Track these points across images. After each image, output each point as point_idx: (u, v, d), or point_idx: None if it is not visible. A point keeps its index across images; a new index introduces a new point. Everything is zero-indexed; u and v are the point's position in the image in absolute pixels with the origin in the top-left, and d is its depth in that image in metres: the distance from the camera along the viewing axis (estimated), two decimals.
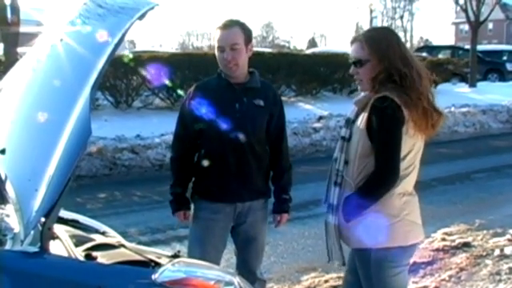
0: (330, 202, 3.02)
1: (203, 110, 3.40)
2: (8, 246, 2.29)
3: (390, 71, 2.88)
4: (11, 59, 11.00)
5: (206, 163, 3.46)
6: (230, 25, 3.42)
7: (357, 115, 2.98)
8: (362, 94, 3.04)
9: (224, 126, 3.36)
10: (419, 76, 2.90)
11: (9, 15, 11.45)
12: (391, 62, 2.88)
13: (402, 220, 2.92)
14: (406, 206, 2.94)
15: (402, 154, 2.86)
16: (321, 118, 14.13)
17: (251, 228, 3.56)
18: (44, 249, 2.18)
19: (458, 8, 25.77)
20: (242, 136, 3.40)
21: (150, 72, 11.99)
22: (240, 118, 3.39)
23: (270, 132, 3.55)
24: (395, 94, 2.82)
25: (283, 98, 16.49)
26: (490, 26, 62.06)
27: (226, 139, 3.39)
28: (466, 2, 22.73)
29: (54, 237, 2.40)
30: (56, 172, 2.13)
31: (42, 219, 2.20)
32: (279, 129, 3.62)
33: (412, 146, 2.90)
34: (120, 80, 13.25)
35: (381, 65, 2.90)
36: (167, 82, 12.21)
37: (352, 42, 3.03)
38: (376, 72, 2.92)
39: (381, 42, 2.94)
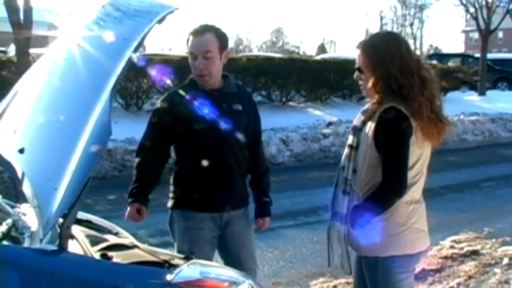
0: (339, 210, 3.01)
1: (183, 121, 3.32)
2: (26, 244, 2.32)
3: (388, 81, 2.86)
4: (23, 60, 11.09)
5: (190, 173, 3.39)
6: (204, 31, 3.32)
7: (363, 123, 2.97)
8: (369, 103, 3.01)
9: (205, 134, 3.31)
10: (423, 84, 2.87)
11: (21, 16, 11.53)
12: (389, 71, 2.85)
13: (409, 228, 2.93)
14: (413, 214, 2.94)
15: (410, 163, 2.85)
16: (330, 123, 14.16)
17: (239, 237, 3.52)
18: (62, 247, 2.21)
19: (469, 16, 25.75)
20: (224, 143, 3.35)
21: (158, 74, 12.01)
22: (221, 125, 3.30)
23: (248, 136, 3.48)
24: (401, 104, 2.81)
25: (293, 104, 16.63)
26: (500, 34, 61.89)
27: (209, 148, 3.34)
28: (476, 11, 22.74)
29: (71, 236, 2.44)
30: (75, 171, 2.16)
31: (61, 219, 2.23)
32: (256, 132, 3.58)
33: (420, 154, 2.90)
34: (131, 82, 13.30)
35: (377, 74, 2.89)
36: (176, 83, 12.22)
37: (357, 47, 3.02)
38: (373, 81, 2.90)
39: (378, 52, 2.91)
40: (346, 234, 2.99)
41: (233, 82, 3.50)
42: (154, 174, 3.42)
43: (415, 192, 2.95)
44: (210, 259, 3.42)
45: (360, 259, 3.13)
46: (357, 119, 3.05)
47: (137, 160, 3.46)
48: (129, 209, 3.37)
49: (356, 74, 3.02)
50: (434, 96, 2.92)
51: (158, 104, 3.46)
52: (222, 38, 3.36)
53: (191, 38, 3.33)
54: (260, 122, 3.62)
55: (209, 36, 3.31)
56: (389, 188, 2.85)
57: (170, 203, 3.54)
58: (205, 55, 3.28)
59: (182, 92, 3.41)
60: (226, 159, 3.39)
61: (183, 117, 3.32)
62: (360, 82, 3.03)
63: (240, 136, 3.40)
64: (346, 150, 3.04)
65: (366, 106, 3.02)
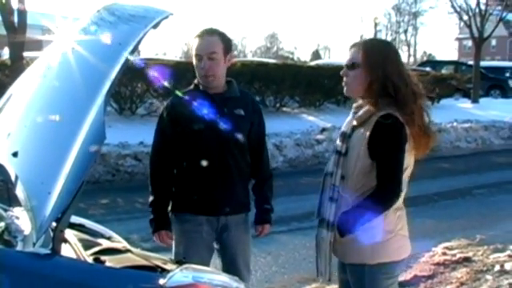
0: (325, 217, 2.99)
1: (184, 122, 3.35)
2: (19, 248, 2.32)
3: (384, 83, 2.86)
4: (17, 64, 11.08)
5: (188, 175, 3.41)
6: (209, 33, 3.39)
7: (353, 129, 2.96)
8: (363, 110, 2.96)
9: (206, 137, 3.34)
10: (414, 95, 2.89)
11: (16, 19, 11.53)
12: (386, 73, 2.85)
13: (395, 235, 2.94)
14: (399, 221, 2.96)
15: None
16: (324, 129, 14.20)
17: (237, 243, 3.52)
18: (55, 251, 2.21)
19: (462, 24, 25.89)
20: (224, 147, 3.37)
21: (157, 74, 12.01)
22: (222, 129, 3.32)
23: (251, 141, 3.50)
24: (396, 110, 2.82)
25: (287, 109, 16.65)
26: (494, 42, 62.17)
27: (209, 151, 3.36)
28: (470, 18, 22.90)
29: (64, 240, 2.44)
30: (69, 175, 2.16)
31: (54, 222, 2.23)
32: (260, 137, 3.59)
33: (409, 161, 2.92)
34: (125, 87, 13.28)
35: (373, 74, 2.87)
36: (171, 88, 12.21)
37: (351, 47, 3.01)
38: (367, 81, 2.89)
39: (378, 52, 2.92)
40: (332, 241, 2.98)
41: (236, 87, 3.52)
42: (167, 187, 3.49)
43: (401, 198, 2.96)
44: (207, 263, 3.43)
45: (343, 266, 3.11)
46: (345, 125, 3.05)
47: (150, 171, 3.53)
48: (158, 237, 3.48)
49: (344, 70, 3.01)
50: (422, 110, 2.94)
51: (162, 110, 3.51)
52: (226, 41, 3.42)
53: (197, 39, 3.38)
54: (264, 127, 3.63)
55: (214, 38, 3.37)
56: (386, 193, 2.84)
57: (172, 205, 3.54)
58: (210, 56, 3.33)
59: (184, 95, 3.44)
60: (225, 162, 3.39)
61: (182, 118, 3.36)
62: (345, 79, 3.01)
63: (240, 140, 3.41)
64: (334, 156, 3.01)
65: (360, 112, 2.97)
